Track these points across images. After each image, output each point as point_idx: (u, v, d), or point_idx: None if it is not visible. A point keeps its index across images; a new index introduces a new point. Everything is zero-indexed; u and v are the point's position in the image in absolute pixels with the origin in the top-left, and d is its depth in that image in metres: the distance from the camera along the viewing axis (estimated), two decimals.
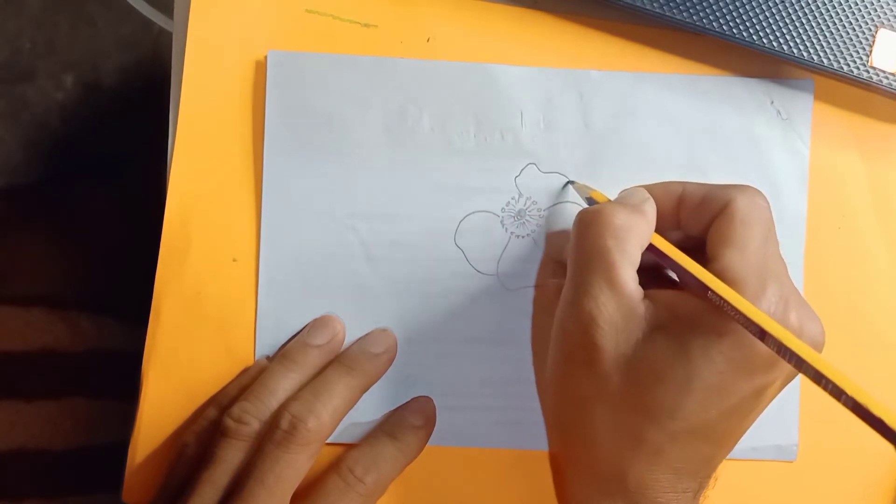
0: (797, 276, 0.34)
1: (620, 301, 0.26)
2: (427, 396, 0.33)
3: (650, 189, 0.29)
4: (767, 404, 0.27)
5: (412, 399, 0.33)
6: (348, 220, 0.33)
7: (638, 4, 0.32)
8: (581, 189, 0.33)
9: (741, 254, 0.25)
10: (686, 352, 0.25)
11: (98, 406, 0.45)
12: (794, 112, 0.34)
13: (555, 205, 0.34)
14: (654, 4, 0.32)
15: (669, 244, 0.27)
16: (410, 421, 0.32)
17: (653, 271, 0.28)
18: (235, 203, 0.33)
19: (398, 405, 0.33)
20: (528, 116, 0.34)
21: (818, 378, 0.21)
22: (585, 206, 0.32)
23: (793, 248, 0.34)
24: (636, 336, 0.25)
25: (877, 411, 0.20)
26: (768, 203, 0.27)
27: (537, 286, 0.33)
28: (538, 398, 0.33)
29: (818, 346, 0.26)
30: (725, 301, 0.24)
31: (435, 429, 0.33)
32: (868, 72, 0.32)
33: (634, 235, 0.26)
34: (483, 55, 0.34)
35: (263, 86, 0.34)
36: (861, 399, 0.20)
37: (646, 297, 0.26)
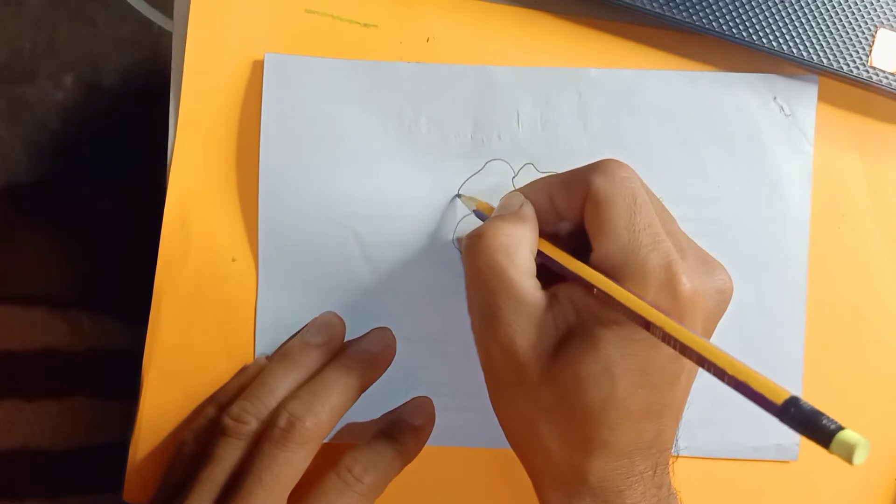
0: (801, 275, 0.34)
1: (530, 314, 0.26)
2: (426, 396, 0.33)
3: (524, 191, 0.29)
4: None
5: (411, 399, 0.33)
6: (347, 221, 0.33)
7: (638, 4, 0.32)
8: (468, 202, 0.33)
9: (612, 238, 0.25)
10: (597, 346, 0.25)
11: (99, 406, 0.45)
12: (798, 108, 0.34)
13: None
14: (654, 4, 0.32)
15: (549, 244, 0.27)
16: (409, 421, 0.32)
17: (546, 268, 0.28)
18: (235, 203, 0.33)
19: (397, 405, 0.33)
20: (525, 116, 0.34)
21: (700, 361, 0.22)
22: (474, 218, 0.33)
23: (797, 246, 0.34)
24: (552, 342, 0.26)
25: (756, 386, 0.20)
26: (630, 170, 0.27)
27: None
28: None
29: (724, 295, 0.26)
30: (605, 293, 0.24)
31: (434, 429, 0.33)
32: (868, 72, 0.32)
33: (523, 245, 0.26)
34: (483, 55, 0.34)
35: (263, 86, 0.33)
36: (742, 377, 0.20)
37: (549, 298, 0.26)
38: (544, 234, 0.28)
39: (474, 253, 0.27)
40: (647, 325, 0.23)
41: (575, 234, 0.28)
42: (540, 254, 0.27)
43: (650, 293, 0.24)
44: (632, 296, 0.24)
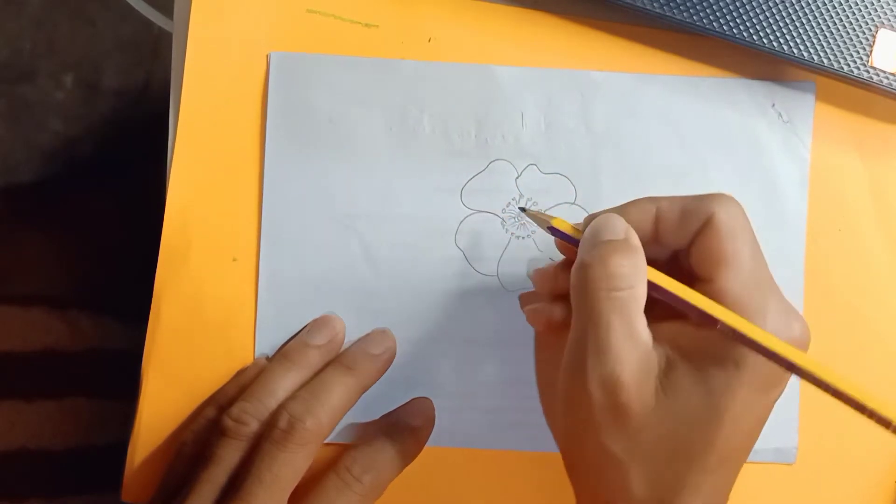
0: (798, 278, 0.34)
1: (640, 353, 0.25)
2: (426, 397, 0.33)
3: (623, 212, 0.27)
4: None
5: (411, 400, 0.33)
6: (349, 221, 0.33)
7: (639, 5, 0.32)
8: (537, 218, 0.30)
9: (736, 272, 0.25)
10: (708, 389, 0.24)
11: (98, 406, 0.45)
12: (796, 115, 0.34)
13: (555, 206, 0.34)
14: (655, 4, 0.32)
15: (665, 277, 0.26)
16: (409, 422, 0.32)
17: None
18: (236, 203, 0.33)
19: (397, 406, 0.33)
20: (529, 117, 0.34)
21: (825, 387, 0.22)
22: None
23: (793, 251, 0.34)
24: (654, 384, 0.25)
25: (883, 411, 0.20)
26: (743, 208, 0.26)
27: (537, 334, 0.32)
28: (548, 429, 0.30)
29: (806, 343, 0.26)
30: (737, 331, 0.23)
31: (434, 429, 0.33)
32: (868, 72, 0.32)
33: (641, 278, 0.25)
34: (484, 55, 0.34)
35: (264, 86, 0.33)
36: (869, 403, 0.21)
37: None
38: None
39: (587, 283, 0.25)
40: (776, 358, 0.23)
41: (663, 263, 0.27)
42: (650, 284, 0.26)
43: (771, 332, 0.24)
44: (761, 330, 0.23)
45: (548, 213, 0.34)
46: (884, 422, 0.21)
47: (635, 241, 0.26)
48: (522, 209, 0.32)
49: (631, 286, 0.25)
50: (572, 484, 0.28)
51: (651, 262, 0.26)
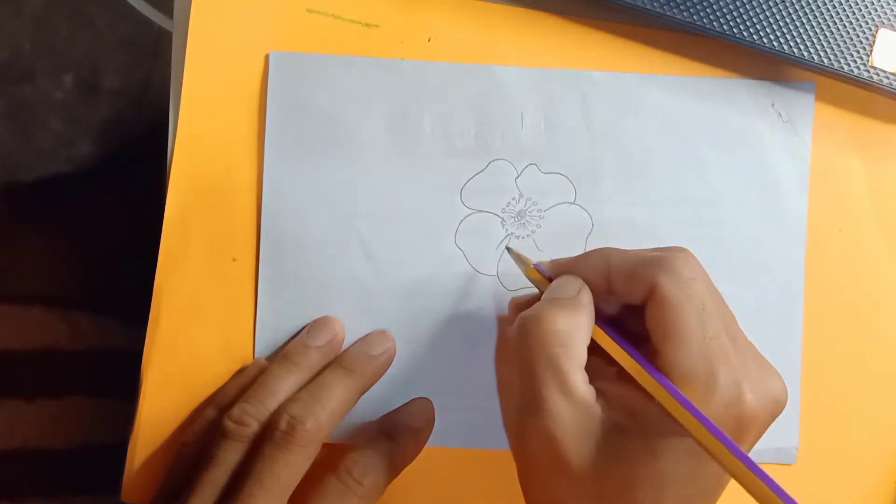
0: (798, 278, 0.34)
1: (576, 409, 0.25)
2: (426, 398, 0.33)
3: (575, 266, 0.28)
4: None
5: (411, 400, 0.33)
6: (348, 221, 0.33)
7: (639, 4, 0.32)
8: (519, 260, 0.31)
9: (682, 346, 0.24)
10: (654, 453, 0.24)
11: (98, 405, 0.45)
12: (796, 115, 0.34)
13: (555, 206, 0.34)
14: (655, 4, 0.32)
15: (611, 341, 0.26)
16: (409, 423, 0.32)
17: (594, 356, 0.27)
18: (235, 203, 0.33)
19: (397, 406, 0.33)
20: (529, 117, 0.34)
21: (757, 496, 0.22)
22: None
23: (793, 251, 0.34)
24: (597, 439, 0.25)
25: None
26: (698, 268, 0.26)
27: (499, 335, 0.32)
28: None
29: (780, 405, 0.25)
30: (666, 410, 0.23)
31: (434, 430, 0.33)
32: (868, 72, 0.32)
33: (579, 336, 0.26)
34: (484, 55, 0.34)
35: (263, 85, 0.33)
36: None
37: (598, 393, 0.26)
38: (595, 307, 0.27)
39: (527, 335, 0.26)
40: (706, 450, 0.23)
41: (626, 308, 0.27)
42: (596, 344, 0.26)
43: (717, 408, 0.24)
44: (693, 419, 0.23)
45: (545, 211, 0.34)
46: None
47: (585, 299, 0.26)
48: (508, 249, 0.32)
49: (565, 344, 0.25)
50: None
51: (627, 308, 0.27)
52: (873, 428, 0.34)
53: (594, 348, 0.26)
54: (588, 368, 0.26)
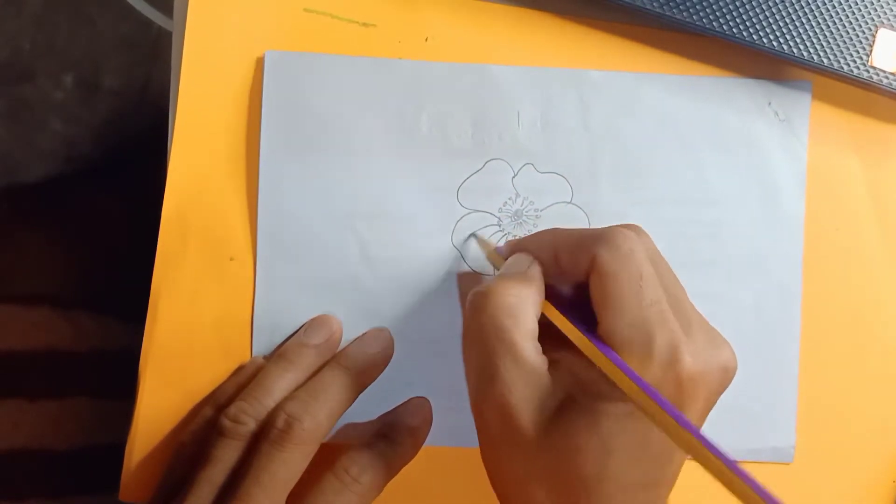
0: (796, 277, 0.34)
1: (529, 377, 0.25)
2: (423, 397, 0.33)
3: (527, 244, 0.29)
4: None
5: (409, 399, 0.33)
6: (346, 220, 0.33)
7: (638, 4, 0.32)
8: (483, 244, 0.32)
9: (618, 314, 0.25)
10: (597, 420, 0.24)
11: (101, 406, 0.45)
12: (793, 114, 0.34)
13: (551, 205, 0.34)
14: (654, 4, 0.32)
15: (554, 309, 0.27)
16: (407, 422, 0.32)
17: (549, 328, 0.28)
18: (233, 202, 0.34)
19: (395, 405, 0.33)
20: (526, 116, 0.34)
21: (690, 451, 0.21)
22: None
23: (791, 251, 0.34)
24: (550, 407, 0.25)
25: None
26: (636, 236, 0.26)
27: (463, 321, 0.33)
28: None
29: (729, 372, 0.26)
30: (608, 376, 0.24)
31: (432, 429, 0.33)
32: (868, 71, 0.32)
33: (528, 307, 0.26)
34: (482, 55, 0.34)
35: (260, 84, 0.33)
36: (725, 479, 0.20)
37: (550, 363, 0.26)
38: (549, 287, 0.28)
39: (478, 310, 0.26)
40: (644, 412, 0.23)
41: (579, 288, 0.28)
42: (544, 317, 0.27)
43: (655, 372, 0.24)
44: (631, 383, 0.23)
45: (542, 210, 0.34)
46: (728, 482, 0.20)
47: (533, 273, 0.27)
48: (474, 235, 0.33)
49: (514, 315, 0.26)
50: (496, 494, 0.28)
51: (563, 294, 0.27)
52: (871, 427, 0.34)
53: (549, 326, 0.27)
54: (542, 343, 0.26)
